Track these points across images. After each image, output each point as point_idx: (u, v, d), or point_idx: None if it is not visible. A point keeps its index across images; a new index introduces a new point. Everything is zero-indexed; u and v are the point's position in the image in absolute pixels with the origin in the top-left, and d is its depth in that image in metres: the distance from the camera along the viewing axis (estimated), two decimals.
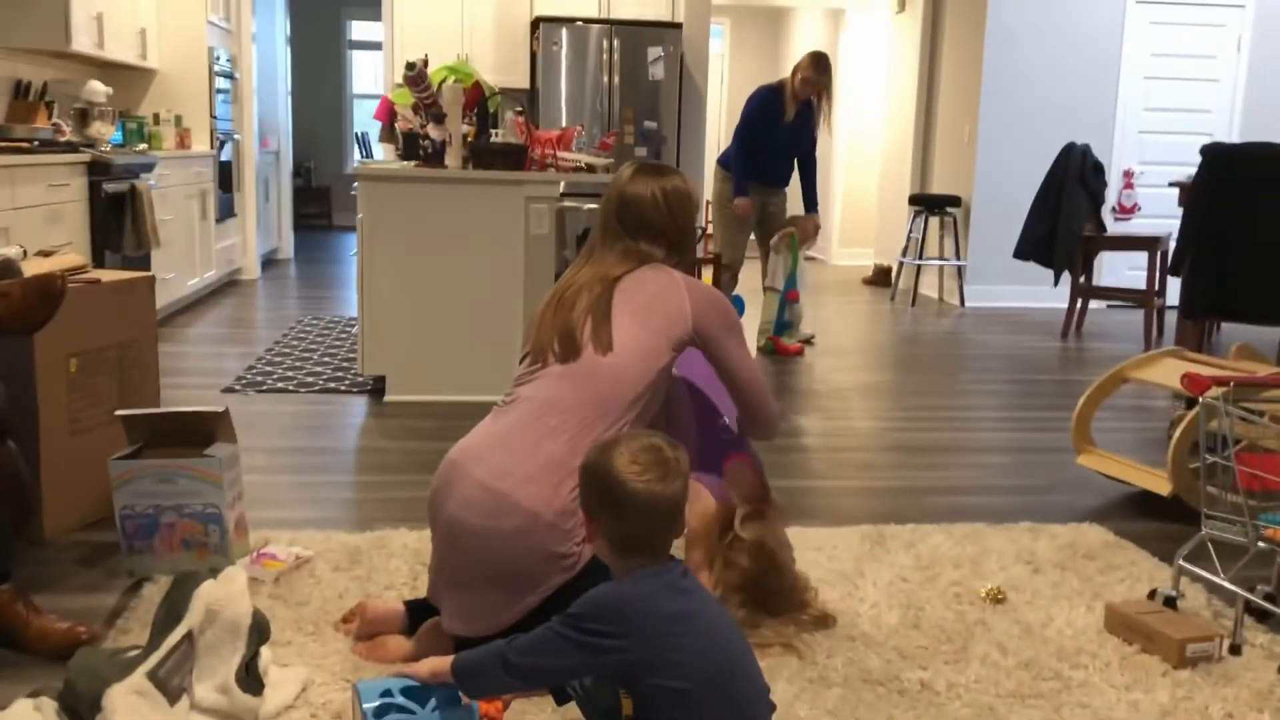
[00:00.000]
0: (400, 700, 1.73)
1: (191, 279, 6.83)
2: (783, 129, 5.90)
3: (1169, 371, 3.38)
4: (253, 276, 8.41)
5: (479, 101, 4.87)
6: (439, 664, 1.74)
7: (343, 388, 4.77)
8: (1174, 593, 2.56)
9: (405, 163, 4.81)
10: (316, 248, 10.80)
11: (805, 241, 6.19)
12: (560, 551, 2.02)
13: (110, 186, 5.19)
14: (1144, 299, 6.70)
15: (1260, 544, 2.36)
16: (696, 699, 1.60)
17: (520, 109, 5.83)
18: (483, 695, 1.77)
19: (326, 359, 5.38)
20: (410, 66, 4.56)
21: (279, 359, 5.34)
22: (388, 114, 5.06)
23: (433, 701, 1.74)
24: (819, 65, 5.85)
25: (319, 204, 12.74)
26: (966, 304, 8.05)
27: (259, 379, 4.89)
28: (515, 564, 2.01)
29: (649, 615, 1.62)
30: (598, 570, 1.87)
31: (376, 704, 1.71)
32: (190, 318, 6.55)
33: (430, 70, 4.85)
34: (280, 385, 4.78)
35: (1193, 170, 5.62)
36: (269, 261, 9.32)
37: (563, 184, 7.38)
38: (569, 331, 2.19)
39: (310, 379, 4.92)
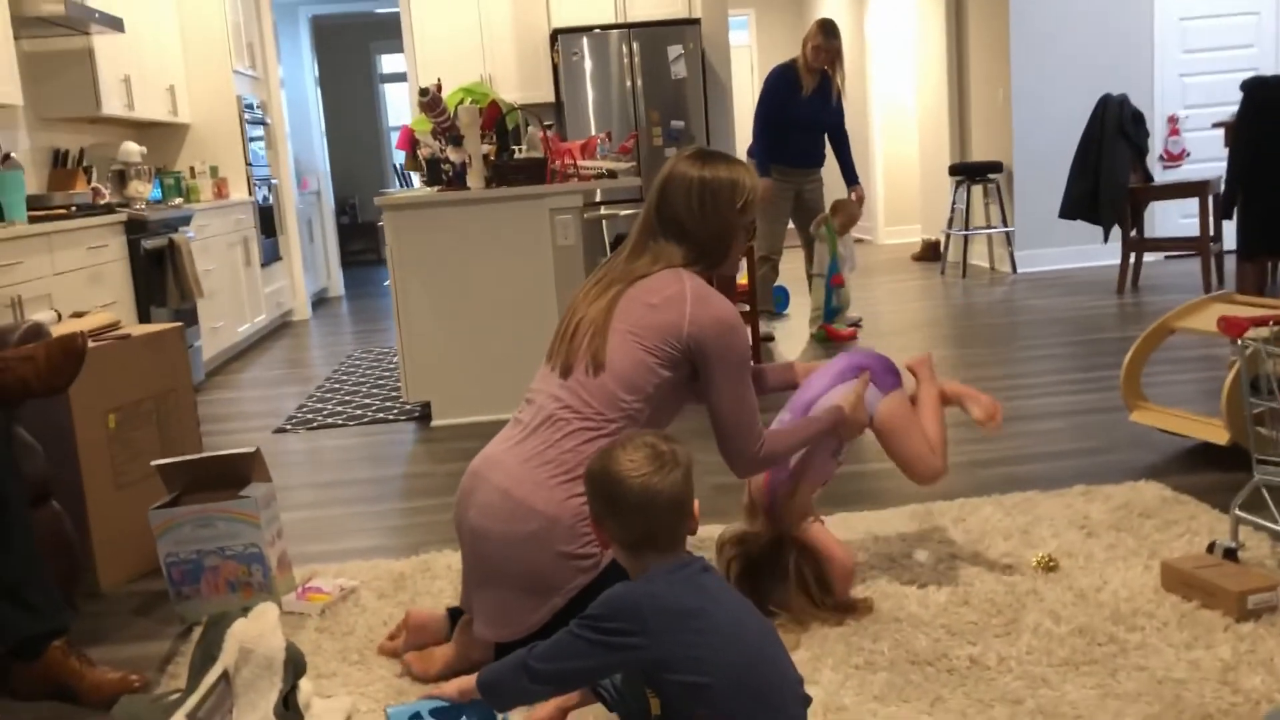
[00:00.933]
0: None
1: (242, 325, 6.95)
2: (803, 103, 5.83)
3: (1214, 318, 3.26)
4: (304, 317, 8.54)
5: (497, 119, 4.88)
6: (466, 682, 1.74)
7: (391, 417, 4.81)
8: (1234, 544, 2.47)
9: (429, 189, 4.84)
10: (366, 283, 10.94)
11: (853, 220, 6.10)
12: (579, 553, 2.03)
13: (148, 243, 5.30)
14: (1199, 246, 6.51)
15: None
16: (720, 693, 1.58)
17: (549, 123, 5.85)
18: (511, 707, 1.77)
19: (376, 390, 5.43)
20: (424, 93, 4.59)
21: (329, 395, 5.41)
22: (410, 142, 5.09)
23: (464, 719, 1.74)
24: (826, 30, 5.79)
25: (366, 239, 12.91)
26: (1019, 270, 7.89)
27: (310, 417, 4.95)
28: (536, 567, 2.03)
29: (665, 611, 1.61)
30: (620, 570, 1.83)
31: None
32: (243, 363, 6.67)
33: (446, 93, 4.88)
34: (330, 421, 4.84)
35: (1236, 109, 5.46)
36: (319, 301, 9.46)
37: (598, 193, 7.43)
38: (570, 344, 2.20)
39: (359, 411, 4.97)
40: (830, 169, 6.11)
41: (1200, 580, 2.29)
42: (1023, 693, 2.00)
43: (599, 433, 2.10)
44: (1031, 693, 2.00)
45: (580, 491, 1.97)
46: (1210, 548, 2.50)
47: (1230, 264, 6.24)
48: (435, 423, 4.60)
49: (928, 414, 2.50)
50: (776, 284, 6.43)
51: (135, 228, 5.23)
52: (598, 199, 7.45)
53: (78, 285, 4.60)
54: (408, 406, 4.89)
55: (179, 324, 3.36)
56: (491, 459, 2.16)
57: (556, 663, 1.64)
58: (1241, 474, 2.46)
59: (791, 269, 7.18)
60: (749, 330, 2.34)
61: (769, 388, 2.63)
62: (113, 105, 5.96)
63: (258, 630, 1.97)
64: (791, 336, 6.16)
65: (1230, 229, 5.96)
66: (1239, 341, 2.39)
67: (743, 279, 5.54)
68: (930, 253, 9.18)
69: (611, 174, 4.85)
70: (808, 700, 1.72)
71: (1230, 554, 2.45)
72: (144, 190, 6.04)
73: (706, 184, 2.23)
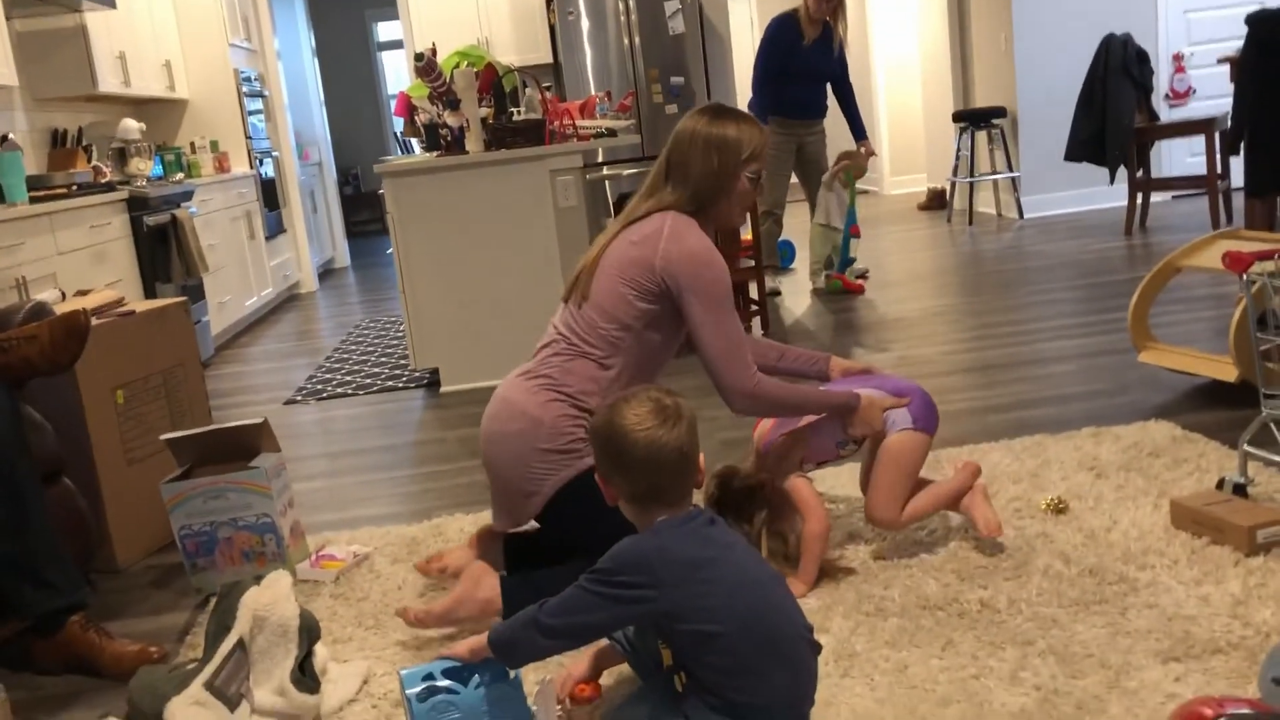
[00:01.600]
0: (443, 682, 1.74)
1: (249, 299, 6.96)
2: (804, 53, 5.76)
3: (1219, 255, 3.23)
4: (311, 289, 8.55)
5: (494, 82, 4.85)
6: (477, 641, 1.75)
7: (400, 385, 4.82)
8: (1243, 479, 2.46)
9: (429, 154, 4.82)
10: (372, 252, 10.93)
11: (860, 172, 6.05)
12: (559, 449, 2.24)
13: (151, 219, 5.30)
14: (1206, 184, 6.45)
15: None
16: (731, 641, 1.60)
17: (547, 84, 5.80)
18: (524, 663, 1.78)
19: (384, 359, 5.44)
20: (419, 58, 4.56)
21: (338, 365, 5.42)
22: (407, 108, 5.06)
23: (476, 679, 1.75)
24: None
25: (370, 209, 12.87)
26: (1026, 215, 7.84)
27: (319, 387, 4.97)
28: (524, 461, 2.26)
29: (674, 563, 1.62)
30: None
31: (420, 689, 1.73)
32: (252, 337, 6.68)
33: (441, 58, 4.85)
34: (340, 390, 4.85)
35: (1241, 44, 5.39)
36: (326, 272, 9.46)
37: (600, 153, 7.39)
38: (574, 281, 2.41)
39: (369, 380, 4.98)
40: (834, 122, 6.04)
41: (1209, 516, 2.28)
42: (1034, 634, 2.01)
43: (582, 355, 2.31)
44: (1043, 633, 2.00)
45: (562, 400, 2.26)
46: (1219, 484, 2.50)
47: (1239, 201, 6.18)
48: (444, 389, 4.61)
49: (933, 492, 2.42)
50: (781, 238, 6.39)
51: (137, 205, 5.23)
52: (599, 159, 7.43)
53: (82, 264, 4.61)
54: (416, 374, 4.90)
55: (183, 299, 3.36)
56: (506, 380, 2.42)
57: (568, 617, 1.65)
58: (1251, 410, 2.45)
59: (797, 223, 7.15)
60: (728, 272, 2.34)
61: (796, 372, 2.60)
62: (109, 83, 5.93)
63: (270, 598, 1.99)
64: (799, 291, 6.14)
65: (1237, 165, 5.90)
66: (1244, 277, 2.37)
67: (747, 235, 5.51)
68: (936, 201, 9.12)
69: (611, 132, 4.82)
70: (818, 648, 1.73)
71: (1239, 489, 2.44)
72: (145, 167, 6.04)
73: (713, 137, 2.32)
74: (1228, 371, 3.17)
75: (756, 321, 5.21)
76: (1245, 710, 1.32)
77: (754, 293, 5.23)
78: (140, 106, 7.07)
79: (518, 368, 2.42)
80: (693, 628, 1.60)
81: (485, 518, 2.93)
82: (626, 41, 7.68)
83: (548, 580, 2.04)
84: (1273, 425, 2.40)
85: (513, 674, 1.79)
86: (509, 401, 2.32)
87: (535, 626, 1.67)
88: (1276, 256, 2.37)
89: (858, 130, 6.04)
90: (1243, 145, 5.38)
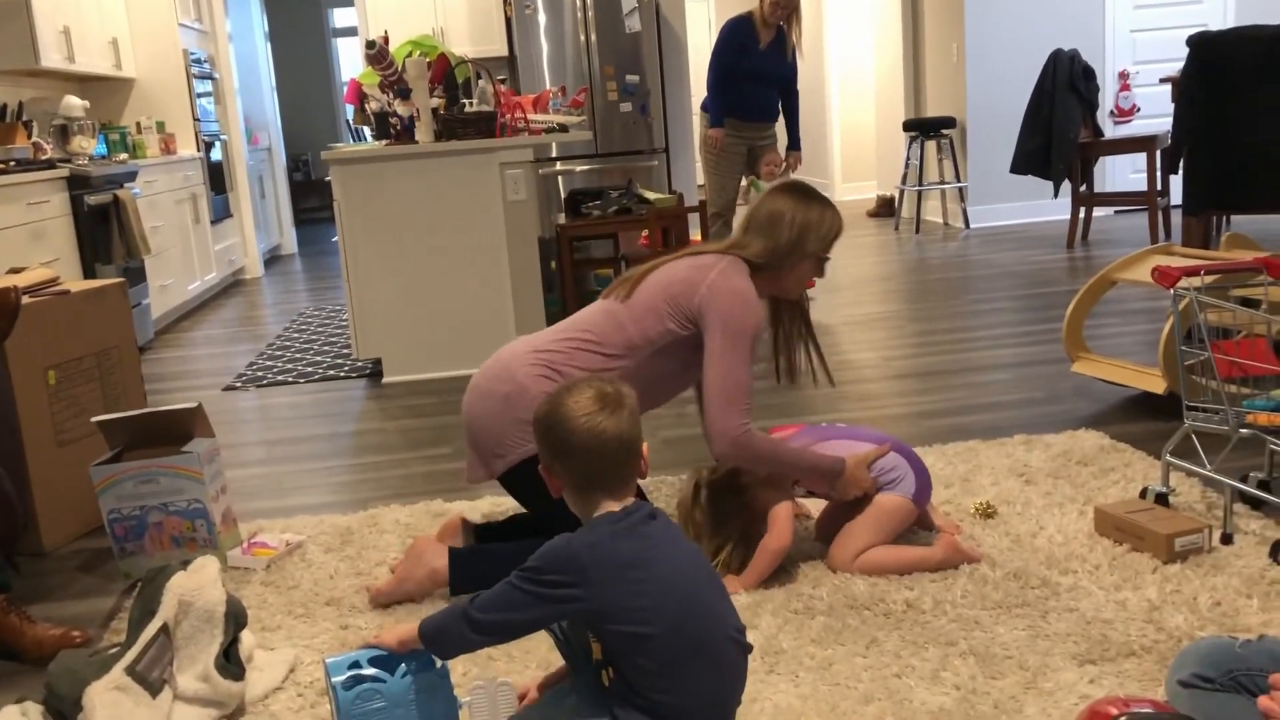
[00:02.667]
0: (369, 671, 1.73)
1: (191, 283, 6.86)
2: (758, 55, 5.77)
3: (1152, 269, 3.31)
4: (256, 275, 8.45)
5: (446, 72, 4.83)
6: (407, 631, 1.74)
7: (342, 374, 4.79)
8: (1165, 489, 2.52)
9: (378, 143, 4.79)
10: (320, 240, 10.82)
11: (771, 170, 6.00)
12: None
13: (92, 199, 5.21)
14: (1147, 201, 6.58)
15: (1243, 431, 2.32)
16: (660, 643, 1.60)
17: (501, 77, 5.77)
18: (453, 655, 1.77)
19: (327, 348, 5.40)
20: (370, 45, 4.53)
21: (280, 352, 5.37)
22: (357, 96, 5.03)
23: (402, 668, 1.74)
24: None
25: (320, 196, 12.73)
26: (971, 225, 7.95)
27: (260, 374, 4.91)
28: (498, 425, 2.33)
29: (604, 562, 1.61)
30: None
31: (345, 677, 1.72)
32: (193, 321, 6.59)
33: (394, 47, 4.82)
34: (280, 378, 4.80)
35: (1183, 65, 5.50)
36: (272, 259, 9.35)
37: (553, 148, 7.38)
38: (625, 277, 2.49)
39: (310, 369, 4.94)
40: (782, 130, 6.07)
41: (1131, 524, 2.34)
42: (956, 634, 2.04)
43: (594, 348, 2.37)
44: (965, 634, 2.04)
45: (554, 379, 2.28)
46: (1142, 493, 2.56)
47: (1178, 218, 6.31)
48: (386, 379, 4.59)
49: (899, 556, 2.35)
50: None
51: (78, 184, 5.13)
52: (552, 154, 7.41)
53: (18, 242, 4.52)
54: (359, 364, 4.87)
55: (122, 280, 3.31)
56: (512, 344, 2.48)
57: (497, 613, 1.64)
58: (1177, 422, 2.51)
59: None
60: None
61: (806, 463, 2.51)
62: (51, 58, 5.82)
63: (196, 583, 1.97)
64: None
65: (1178, 183, 6.02)
66: (1173, 292, 2.43)
67: (696, 235, 5.54)
68: (885, 208, 9.22)
69: (563, 128, 4.82)
70: (749, 649, 1.73)
71: (1161, 499, 2.50)
72: (87, 146, 5.92)
73: (801, 216, 2.43)
74: (1157, 384, 3.24)
75: None
76: (1148, 710, 1.36)
77: None
78: (84, 84, 6.94)
79: (529, 336, 2.48)
80: (622, 629, 1.59)
81: (421, 509, 2.94)
82: (583, 38, 7.67)
83: (499, 555, 2.07)
84: (1194, 437, 2.46)
85: (440, 663, 1.78)
86: (505, 364, 2.39)
87: (465, 620, 1.66)
88: (1203, 273, 2.43)
89: (793, 139, 6.06)
90: (1181, 164, 5.50)
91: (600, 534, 1.65)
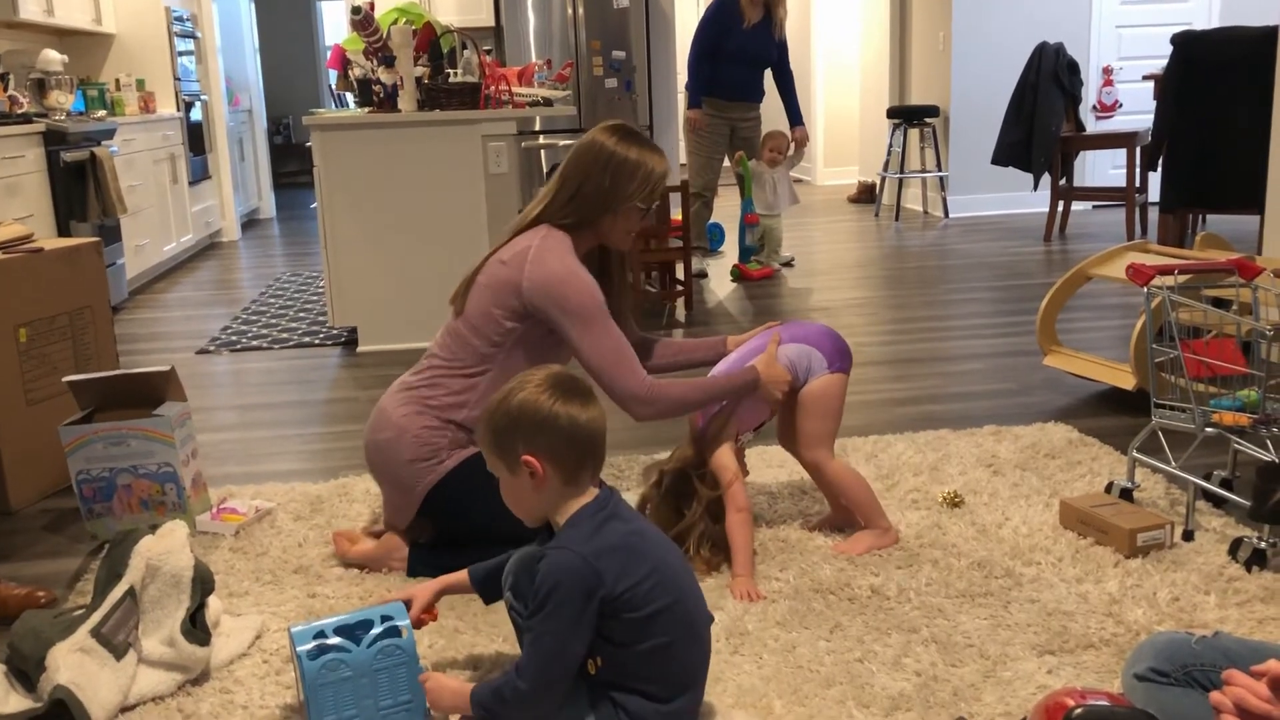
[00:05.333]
0: (334, 640, 1.74)
1: (167, 244, 6.80)
2: (742, 35, 5.76)
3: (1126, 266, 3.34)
4: (233, 238, 8.38)
5: (432, 41, 4.79)
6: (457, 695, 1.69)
7: (317, 341, 4.76)
8: (1130, 484, 2.56)
9: (361, 110, 4.76)
10: (299, 205, 10.73)
11: (780, 153, 6.04)
12: (421, 457, 2.31)
13: (69, 155, 5.15)
14: (1125, 197, 6.63)
15: (1208, 429, 2.35)
16: (663, 621, 1.61)
17: (487, 48, 5.73)
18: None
19: (303, 314, 5.37)
20: (356, 10, 4.49)
21: (255, 317, 5.34)
22: (341, 61, 4.98)
23: (368, 637, 1.75)
24: None
25: (300, 160, 12.59)
26: (950, 214, 7.97)
27: (234, 339, 4.89)
28: (395, 467, 2.35)
29: (607, 553, 1.60)
30: (466, 472, 2.27)
31: (311, 646, 1.72)
32: (168, 283, 6.54)
33: (379, 14, 4.78)
34: (254, 344, 4.78)
35: (1166, 62, 5.53)
36: (250, 222, 9.28)
37: (537, 121, 7.34)
38: (459, 286, 2.43)
39: (285, 335, 4.91)
40: (774, 109, 6.07)
41: (1095, 518, 2.37)
42: (919, 622, 2.07)
43: (453, 369, 2.35)
44: (928, 622, 2.07)
45: (424, 415, 2.32)
46: (1108, 488, 2.59)
47: (1155, 215, 6.36)
48: (361, 348, 4.57)
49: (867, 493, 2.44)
50: (711, 221, 6.43)
51: (55, 139, 5.07)
52: (536, 127, 7.38)
53: None
54: (334, 331, 4.85)
55: (97, 239, 3.28)
56: (390, 387, 2.47)
57: (542, 667, 1.58)
58: (1145, 418, 2.55)
59: (729, 206, 7.19)
60: (591, 283, 2.31)
61: (697, 361, 2.61)
62: (30, 9, 5.74)
63: (164, 548, 1.97)
64: (724, 273, 6.18)
65: (1156, 180, 6.07)
66: (1146, 289, 2.45)
67: (677, 215, 5.53)
68: (866, 195, 9.23)
69: (547, 102, 4.80)
70: (712, 619, 1.76)
71: (1126, 494, 2.54)
72: (65, 101, 5.85)
73: (615, 158, 2.30)
74: (1126, 379, 3.28)
75: (681, 302, 5.24)
76: (1104, 702, 1.38)
77: (680, 273, 5.25)
78: (63, 37, 6.85)
79: (403, 375, 2.47)
80: (634, 615, 1.59)
81: None
82: (570, 11, 7.63)
83: (450, 557, 2.12)
84: (1161, 434, 2.49)
85: (405, 633, 1.79)
86: (381, 409, 2.40)
87: (516, 700, 1.58)
88: (1177, 272, 2.46)
89: (793, 115, 6.07)
90: (1161, 162, 5.55)
91: (589, 528, 1.64)
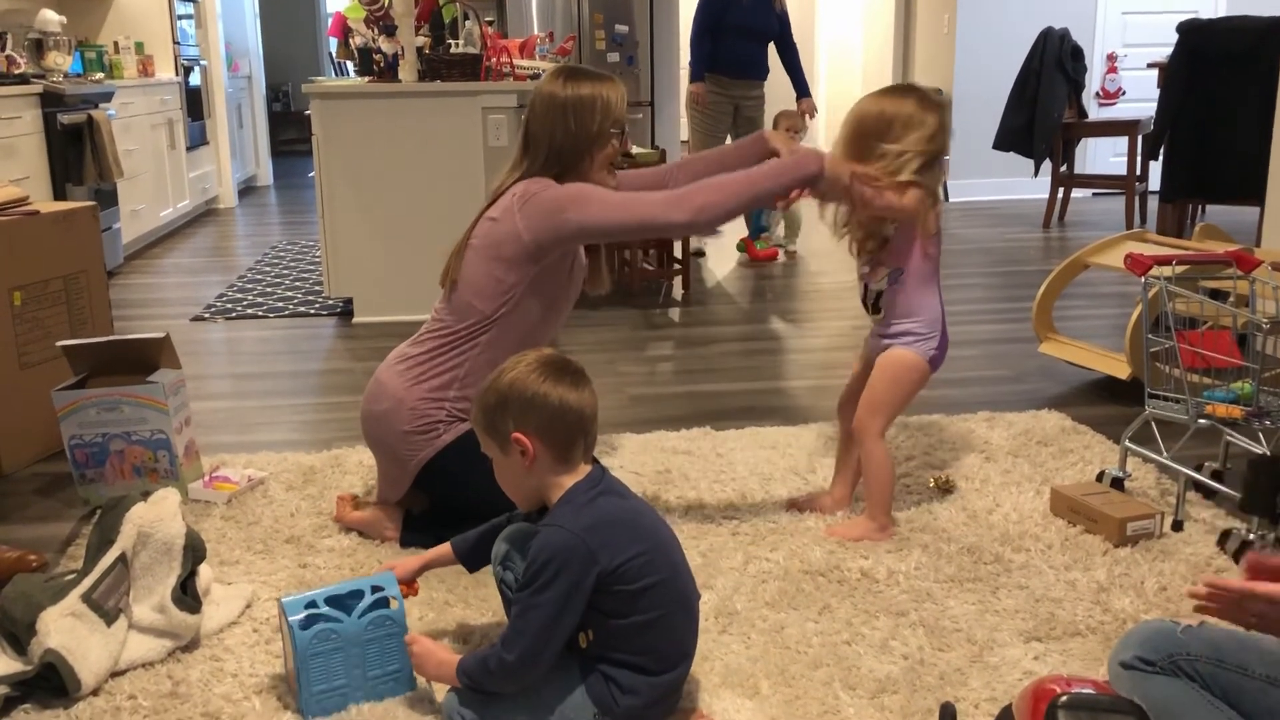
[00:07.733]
0: (325, 610, 1.74)
1: (164, 210, 6.77)
2: (745, 9, 5.72)
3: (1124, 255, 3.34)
4: (230, 205, 8.34)
5: (434, 11, 4.76)
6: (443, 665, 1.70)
7: (312, 311, 4.75)
8: (1121, 473, 2.56)
9: (361, 79, 4.73)
10: (297, 173, 10.68)
11: (795, 130, 6.01)
12: (418, 429, 2.31)
13: (66, 118, 5.11)
14: (1125, 185, 6.62)
15: (1201, 421, 2.35)
16: (657, 594, 1.62)
17: (490, 19, 5.70)
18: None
19: (299, 283, 5.36)
20: None
21: (251, 285, 5.32)
22: (341, 29, 4.95)
23: (358, 608, 1.76)
24: None
25: (299, 128, 12.52)
26: (951, 199, 7.96)
27: (229, 306, 4.87)
28: (390, 439, 2.35)
29: (601, 527, 1.62)
30: (462, 447, 2.23)
31: (302, 616, 1.73)
32: (164, 249, 6.52)
33: None
34: (250, 312, 4.77)
35: (1171, 51, 5.52)
36: (247, 189, 9.24)
37: None
38: (446, 264, 2.42)
39: (280, 304, 4.90)
40: (780, 86, 6.03)
41: (1085, 506, 2.38)
42: (907, 605, 2.08)
43: (455, 337, 2.34)
44: (916, 606, 2.08)
45: (423, 385, 2.31)
46: (1099, 476, 2.60)
47: (1155, 204, 6.36)
48: (357, 319, 4.56)
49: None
50: None
51: (52, 100, 5.04)
52: None
53: None
54: (330, 302, 4.84)
55: (92, 203, 3.27)
56: (386, 359, 2.47)
57: (530, 641, 1.58)
58: (1139, 408, 2.55)
59: None
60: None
61: (740, 164, 2.44)
62: None
63: (156, 515, 1.97)
64: (722, 252, 6.16)
65: (1157, 169, 6.06)
66: (1143, 279, 2.45)
67: None
68: None
69: None
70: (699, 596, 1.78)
71: (1117, 483, 2.55)
72: (63, 62, 5.80)
73: (570, 99, 2.30)
74: (1121, 369, 3.28)
75: (678, 281, 5.23)
76: (1089, 690, 1.39)
77: (678, 252, 5.24)
78: None
79: (399, 345, 2.46)
80: (628, 587, 1.60)
81: None
82: None
83: (446, 530, 2.09)
84: (1153, 424, 2.50)
85: (395, 604, 1.80)
86: (380, 382, 2.40)
87: (502, 672, 1.60)
88: (1174, 263, 2.45)
89: (799, 86, 6.01)
90: (1162, 150, 5.54)
91: (581, 503, 1.65)
